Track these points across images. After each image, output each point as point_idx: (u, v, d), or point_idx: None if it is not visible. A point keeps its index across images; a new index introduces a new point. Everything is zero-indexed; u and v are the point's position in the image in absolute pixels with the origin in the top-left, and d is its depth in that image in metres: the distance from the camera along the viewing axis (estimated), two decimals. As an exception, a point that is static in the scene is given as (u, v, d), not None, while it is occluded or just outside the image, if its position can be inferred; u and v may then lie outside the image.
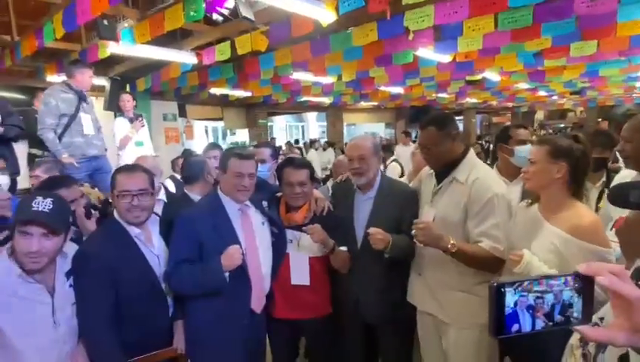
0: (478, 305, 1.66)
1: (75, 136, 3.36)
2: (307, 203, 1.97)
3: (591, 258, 1.35)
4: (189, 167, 2.26)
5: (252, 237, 1.80)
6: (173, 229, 1.72)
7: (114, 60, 5.93)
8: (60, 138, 3.29)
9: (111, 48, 4.26)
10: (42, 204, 1.39)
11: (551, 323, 0.59)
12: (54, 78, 5.44)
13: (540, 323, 0.58)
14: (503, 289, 0.57)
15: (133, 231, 1.65)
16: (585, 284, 0.58)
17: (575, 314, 0.59)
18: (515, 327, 0.58)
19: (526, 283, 0.58)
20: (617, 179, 1.92)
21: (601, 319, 0.81)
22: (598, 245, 1.37)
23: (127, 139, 3.92)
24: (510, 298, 0.57)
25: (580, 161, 1.48)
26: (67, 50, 5.24)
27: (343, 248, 1.90)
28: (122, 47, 4.24)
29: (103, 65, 6.29)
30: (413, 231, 1.60)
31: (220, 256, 1.65)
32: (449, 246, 1.58)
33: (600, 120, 16.12)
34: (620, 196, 0.71)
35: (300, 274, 1.92)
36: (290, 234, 1.95)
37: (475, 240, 1.65)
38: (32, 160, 3.64)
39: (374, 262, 1.89)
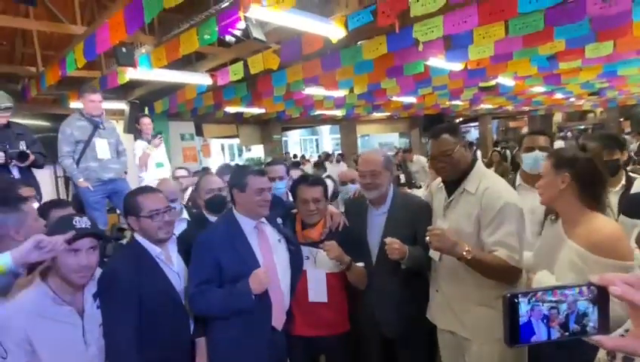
0: (499, 318, 1.61)
1: (90, 161, 3.50)
2: (323, 219, 1.98)
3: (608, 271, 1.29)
4: (211, 204, 2.27)
5: (270, 254, 1.80)
6: (192, 248, 1.75)
7: (132, 85, 6.15)
8: (77, 163, 3.47)
9: (129, 74, 4.43)
10: (81, 221, 1.49)
11: (567, 333, 0.59)
12: (77, 104, 5.66)
13: (555, 333, 0.59)
14: (516, 300, 0.58)
15: (155, 251, 1.70)
16: (600, 294, 0.59)
17: (591, 324, 0.59)
18: (530, 336, 0.59)
19: (540, 293, 0.59)
20: (638, 184, 1.84)
21: (627, 331, 0.78)
22: (619, 259, 1.30)
23: (146, 157, 4.02)
24: (524, 308, 0.58)
25: (585, 170, 1.42)
26: (88, 78, 5.47)
27: (360, 264, 1.89)
28: (140, 73, 4.40)
29: (123, 90, 6.54)
30: (427, 238, 1.59)
31: (248, 279, 1.66)
32: (464, 253, 1.55)
33: (622, 120, 15.71)
34: (634, 207, 0.70)
35: (317, 291, 1.91)
36: (306, 251, 1.95)
37: (490, 249, 1.62)
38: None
39: (390, 277, 1.88)
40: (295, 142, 19.65)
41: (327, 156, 12.67)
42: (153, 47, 4.31)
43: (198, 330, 1.78)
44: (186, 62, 5.22)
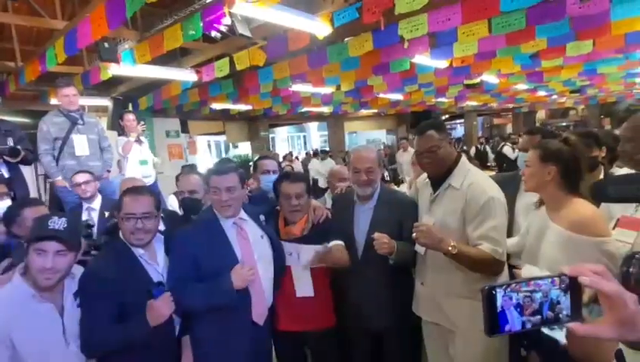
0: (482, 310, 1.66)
1: (67, 159, 3.42)
2: (305, 216, 1.99)
3: (593, 250, 1.40)
4: (184, 206, 2.25)
5: (249, 251, 1.79)
6: (170, 245, 1.77)
7: (116, 81, 6.04)
8: (57, 161, 3.40)
9: (112, 70, 4.35)
10: (58, 222, 1.47)
11: (542, 322, 0.62)
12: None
13: (530, 322, 0.62)
14: (494, 292, 0.61)
15: (138, 250, 1.69)
16: (572, 284, 0.62)
17: (565, 313, 0.62)
18: (508, 326, 0.62)
19: (515, 284, 0.62)
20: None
21: None
22: (598, 236, 1.41)
23: (130, 145, 3.93)
24: (502, 299, 0.61)
25: (569, 162, 1.56)
26: (70, 74, 5.34)
27: (338, 242, 1.92)
28: (123, 68, 4.32)
29: (106, 86, 6.41)
30: (414, 234, 1.62)
31: (230, 274, 1.66)
32: (450, 248, 1.59)
33: (602, 117, 16.10)
34: (600, 191, 0.74)
35: (303, 286, 1.93)
36: (289, 247, 1.95)
37: (475, 243, 1.66)
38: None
39: (376, 271, 1.91)
40: (283, 139, 19.58)
41: (315, 153, 12.68)
42: (136, 42, 4.24)
43: (184, 328, 1.78)
44: (171, 58, 5.15)
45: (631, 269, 0.63)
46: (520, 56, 5.47)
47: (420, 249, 1.82)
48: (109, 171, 3.70)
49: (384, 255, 1.77)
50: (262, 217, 1.96)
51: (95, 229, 2.31)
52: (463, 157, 1.84)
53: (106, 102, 6.63)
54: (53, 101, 5.61)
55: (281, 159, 12.34)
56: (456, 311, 1.74)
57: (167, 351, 1.73)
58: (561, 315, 0.62)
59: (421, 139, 1.80)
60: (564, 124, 17.88)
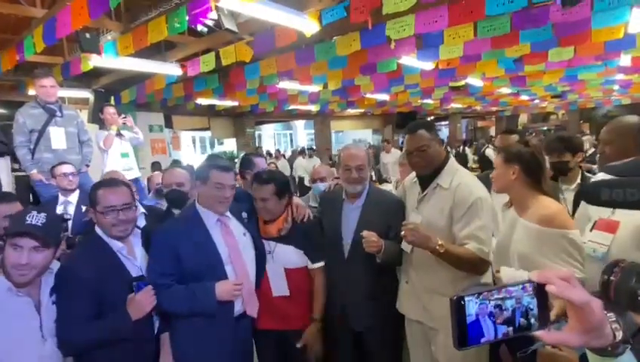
0: None
1: (44, 152, 3.32)
2: (284, 214, 1.97)
3: (561, 240, 1.49)
4: (170, 199, 2.20)
5: (236, 247, 1.78)
6: (151, 242, 1.71)
7: (98, 73, 5.90)
8: (33, 154, 3.30)
9: (94, 61, 4.24)
10: (36, 217, 1.42)
11: (512, 329, 0.59)
12: (36, 91, 5.37)
13: (502, 331, 0.59)
14: (463, 302, 0.58)
15: (116, 245, 1.64)
16: (539, 291, 0.60)
17: (533, 320, 0.60)
18: (479, 337, 0.59)
19: (485, 292, 0.59)
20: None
21: None
22: (563, 228, 1.51)
23: (111, 138, 3.83)
24: (471, 308, 0.58)
25: (530, 162, 1.66)
26: (49, 64, 5.19)
27: (319, 264, 1.96)
28: (105, 60, 4.21)
29: (87, 78, 6.25)
30: (402, 233, 1.62)
31: (214, 284, 1.66)
32: (437, 246, 1.61)
33: (582, 122, 16.57)
34: (592, 194, 0.74)
35: (278, 285, 1.91)
36: (266, 245, 1.94)
37: (462, 242, 1.68)
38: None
39: (362, 270, 1.90)
40: (269, 136, 19.48)
41: (301, 151, 12.66)
42: (119, 33, 4.14)
43: (163, 326, 1.75)
44: (155, 51, 5.05)
45: (612, 278, 0.62)
46: (504, 60, 5.57)
47: (406, 247, 1.83)
48: (87, 166, 3.60)
49: (372, 253, 1.77)
50: (244, 214, 1.94)
51: (71, 223, 2.25)
52: (452, 158, 1.86)
53: (87, 94, 6.46)
54: (31, 92, 5.44)
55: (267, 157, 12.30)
56: (440, 309, 1.74)
57: (146, 348, 1.69)
58: (531, 322, 0.60)
59: (411, 138, 1.81)
60: (544, 128, 18.31)
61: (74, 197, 2.77)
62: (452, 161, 1.84)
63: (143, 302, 1.56)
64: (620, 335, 0.58)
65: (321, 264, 1.97)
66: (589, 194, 0.74)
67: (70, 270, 1.55)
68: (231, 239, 1.79)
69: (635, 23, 3.85)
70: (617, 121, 1.79)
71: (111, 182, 1.74)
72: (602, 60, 5.98)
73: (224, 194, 1.73)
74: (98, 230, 1.66)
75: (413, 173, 1.96)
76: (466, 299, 0.58)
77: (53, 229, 1.49)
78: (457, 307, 0.58)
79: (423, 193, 1.83)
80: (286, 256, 1.92)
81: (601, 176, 1.90)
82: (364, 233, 1.76)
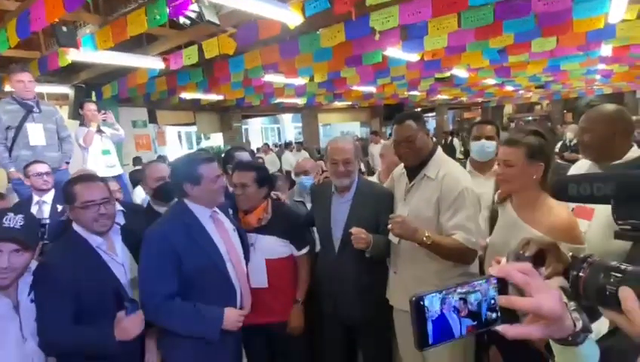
0: None
1: (22, 149, 3.22)
2: (264, 204, 1.96)
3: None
4: (160, 192, 2.13)
5: (231, 241, 1.76)
6: (144, 245, 1.61)
7: (77, 67, 5.74)
8: (10, 152, 3.20)
9: (71, 55, 4.11)
10: (13, 220, 1.38)
11: (477, 324, 0.58)
12: (13, 87, 5.21)
13: (466, 323, 0.58)
14: (422, 302, 0.56)
15: (95, 241, 1.61)
16: (501, 285, 0.59)
17: (497, 314, 0.59)
18: (445, 333, 0.57)
19: (444, 291, 0.57)
20: (574, 169, 1.97)
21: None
22: (573, 243, 1.38)
23: (91, 135, 3.73)
24: (435, 304, 0.57)
25: (551, 158, 1.51)
26: (25, 59, 5.03)
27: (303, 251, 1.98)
28: (84, 54, 4.10)
29: (66, 73, 6.08)
30: (389, 226, 1.63)
31: (225, 310, 1.62)
32: (424, 238, 1.61)
33: (565, 112, 16.84)
34: (560, 189, 0.74)
35: (257, 276, 1.91)
36: (247, 237, 1.94)
37: (449, 233, 1.68)
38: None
39: (353, 264, 1.91)
40: (256, 130, 19.30)
41: (287, 145, 12.60)
42: (98, 27, 4.03)
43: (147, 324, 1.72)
44: (136, 44, 4.93)
45: (581, 274, 0.61)
46: (488, 51, 5.60)
47: (394, 238, 1.83)
48: (67, 163, 3.52)
49: (360, 249, 1.78)
50: (230, 211, 1.92)
51: (47, 226, 2.18)
52: (439, 149, 1.86)
53: (66, 89, 6.30)
54: (7, 88, 5.26)
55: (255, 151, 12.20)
56: None
57: (129, 345, 1.63)
58: (495, 317, 0.59)
59: (399, 128, 1.80)
60: (529, 118, 18.56)
61: (49, 197, 2.68)
62: (439, 151, 1.84)
63: (129, 330, 1.51)
64: (580, 324, 0.59)
65: (306, 250, 2.00)
66: (557, 189, 0.74)
67: (49, 267, 1.51)
68: (225, 234, 1.75)
69: (615, 13, 3.91)
70: (595, 109, 1.78)
71: (87, 177, 1.71)
72: (584, 51, 6.05)
73: (220, 183, 1.69)
74: (76, 227, 1.62)
75: (402, 165, 1.96)
76: (428, 297, 0.56)
77: (32, 230, 1.45)
78: (417, 307, 0.56)
79: (410, 184, 1.84)
80: (268, 247, 1.92)
81: (582, 163, 1.93)
82: (353, 229, 1.76)
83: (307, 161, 2.77)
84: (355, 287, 1.92)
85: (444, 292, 0.57)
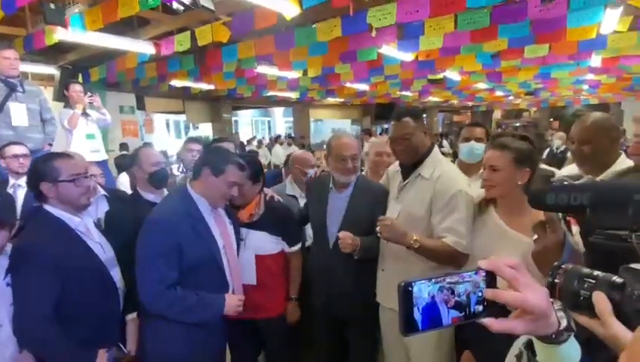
0: None
1: (4, 129, 3.09)
2: (256, 199, 1.93)
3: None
4: (157, 177, 2.05)
5: (228, 235, 1.75)
6: (148, 232, 1.57)
7: (64, 48, 5.57)
8: None
9: (59, 34, 3.98)
10: None
11: (464, 315, 0.59)
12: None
13: (452, 315, 0.58)
14: (410, 288, 0.58)
15: (73, 222, 1.56)
16: (489, 278, 0.60)
17: (483, 307, 0.60)
18: (432, 321, 0.58)
19: (434, 279, 0.59)
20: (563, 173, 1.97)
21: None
22: None
23: (76, 117, 3.62)
24: (424, 291, 0.58)
25: (537, 163, 1.51)
26: (10, 35, 4.85)
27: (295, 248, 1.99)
28: (72, 34, 3.97)
29: (53, 53, 5.89)
30: (377, 228, 1.61)
31: (224, 300, 1.63)
32: (412, 242, 1.60)
33: (552, 120, 17.18)
34: (538, 199, 0.74)
35: (246, 272, 1.88)
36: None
37: (440, 235, 1.67)
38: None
39: (347, 260, 1.89)
40: (246, 122, 19.14)
41: (276, 138, 12.53)
42: (87, 6, 3.90)
43: (128, 306, 1.69)
44: (127, 27, 4.80)
45: (556, 280, 0.63)
46: (482, 55, 5.65)
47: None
48: (50, 145, 3.41)
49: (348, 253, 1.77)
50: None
51: (20, 209, 2.09)
52: (435, 148, 1.83)
53: (52, 70, 6.10)
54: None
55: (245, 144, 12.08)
56: None
57: (112, 328, 1.64)
58: (482, 309, 0.60)
59: (397, 125, 1.77)
60: (517, 124, 18.87)
61: (24, 181, 2.59)
62: (435, 151, 1.82)
63: None
64: (564, 322, 0.60)
65: (298, 247, 2.00)
66: (535, 198, 0.75)
67: (27, 247, 1.44)
68: (224, 228, 1.73)
69: (607, 24, 3.97)
70: (590, 119, 1.75)
71: (62, 153, 1.69)
72: (575, 59, 6.16)
73: (233, 192, 1.67)
74: (50, 208, 1.54)
75: (397, 163, 1.94)
76: (417, 283, 0.58)
77: (7, 208, 1.41)
78: (404, 292, 0.57)
79: (404, 182, 1.81)
80: (258, 242, 1.89)
81: (569, 169, 1.94)
82: (340, 234, 1.76)
83: (308, 153, 2.71)
84: (347, 283, 1.92)
85: (433, 280, 0.58)
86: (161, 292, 1.54)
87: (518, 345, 0.99)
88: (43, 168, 1.54)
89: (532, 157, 1.49)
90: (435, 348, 1.74)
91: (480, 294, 0.59)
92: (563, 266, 0.63)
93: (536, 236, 1.31)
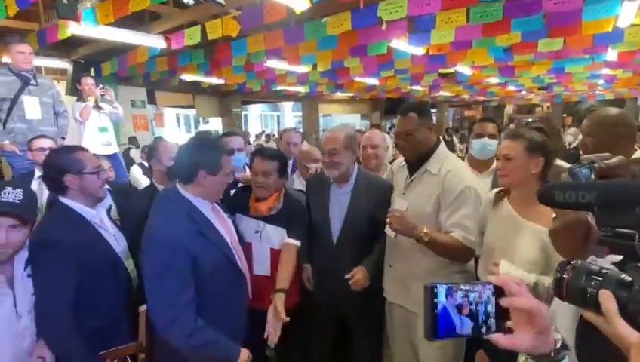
0: None
1: (17, 122, 3.15)
2: (276, 194, 1.93)
3: None
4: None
5: (232, 233, 1.68)
6: (150, 251, 1.42)
7: (77, 42, 5.63)
8: (4, 124, 3.13)
9: (71, 29, 4.02)
10: (12, 194, 1.35)
11: (474, 327, 0.61)
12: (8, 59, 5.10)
13: (467, 325, 0.61)
14: (435, 290, 0.60)
15: (90, 214, 1.59)
16: (497, 293, 0.62)
17: (492, 322, 0.63)
18: (449, 329, 0.60)
19: (452, 285, 0.61)
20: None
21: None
22: None
23: (88, 109, 3.67)
24: (442, 297, 0.60)
25: (552, 154, 1.51)
26: (24, 30, 4.92)
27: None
28: (84, 28, 4.00)
29: (65, 48, 5.97)
30: (387, 219, 1.61)
31: (240, 349, 1.48)
32: (422, 234, 1.59)
33: (565, 115, 16.86)
34: (547, 196, 0.75)
35: (261, 264, 1.89)
36: (255, 224, 1.91)
37: (447, 230, 1.67)
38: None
39: (350, 255, 1.90)
40: (255, 117, 19.20)
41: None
42: (99, 0, 3.92)
43: (140, 297, 1.67)
44: (138, 22, 4.84)
45: (564, 276, 0.63)
46: (494, 49, 5.55)
47: (390, 232, 1.81)
48: (63, 138, 3.46)
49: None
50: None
51: (46, 200, 2.14)
52: (442, 144, 1.81)
53: (65, 64, 6.18)
54: (5, 59, 5.16)
55: (253, 138, 12.11)
56: (420, 293, 1.73)
57: (126, 318, 1.66)
58: (491, 324, 0.62)
59: (401, 120, 1.76)
60: (529, 119, 18.55)
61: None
62: (442, 147, 1.80)
63: None
64: (560, 342, 0.62)
65: (295, 241, 1.92)
66: (544, 195, 0.76)
67: (48, 238, 1.47)
68: (226, 226, 1.67)
69: (625, 17, 3.87)
70: (597, 113, 1.77)
71: (77, 147, 1.74)
72: (590, 54, 6.02)
73: (229, 179, 1.60)
74: (67, 201, 1.58)
75: (401, 158, 1.93)
76: (439, 287, 0.60)
77: (30, 206, 1.42)
78: (431, 295, 0.59)
79: (410, 178, 1.80)
80: (274, 237, 1.90)
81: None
82: (351, 282, 1.78)
83: (313, 148, 2.69)
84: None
85: (452, 286, 0.60)
86: (181, 312, 1.38)
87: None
88: (67, 160, 1.56)
89: (544, 147, 1.48)
90: (443, 344, 1.74)
91: (490, 307, 0.61)
92: (572, 262, 0.64)
93: (554, 215, 1.29)
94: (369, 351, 2.05)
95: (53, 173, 1.57)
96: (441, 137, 1.99)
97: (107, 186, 2.01)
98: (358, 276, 1.81)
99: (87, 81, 3.70)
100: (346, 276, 1.79)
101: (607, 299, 0.57)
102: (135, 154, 6.66)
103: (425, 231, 1.59)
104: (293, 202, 2.02)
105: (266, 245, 1.91)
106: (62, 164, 1.56)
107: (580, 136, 2.05)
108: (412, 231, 1.60)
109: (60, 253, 1.44)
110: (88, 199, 1.60)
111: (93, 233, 1.59)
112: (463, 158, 2.37)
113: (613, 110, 1.77)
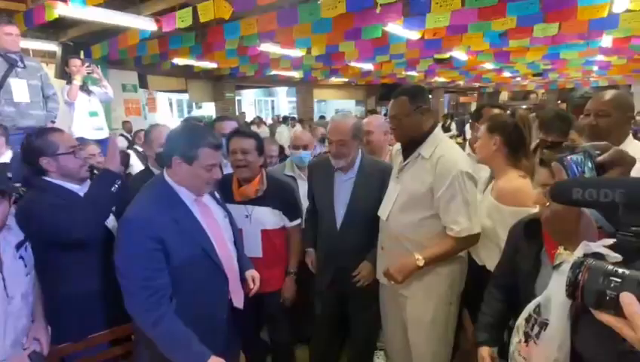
0: (436, 280, 1.73)
1: (5, 105, 3.08)
2: (259, 176, 1.94)
3: (512, 218, 1.37)
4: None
5: (217, 226, 1.56)
6: (125, 230, 1.38)
7: (66, 24, 5.50)
8: None
9: (59, 10, 3.92)
10: None
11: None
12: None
13: None
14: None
15: (74, 188, 1.63)
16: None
17: None
18: None
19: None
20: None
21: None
22: (519, 206, 1.50)
23: (76, 89, 3.59)
24: None
25: (511, 133, 1.67)
26: (9, 10, 4.78)
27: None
28: (72, 9, 3.91)
29: (54, 30, 5.83)
30: (391, 282, 1.70)
31: (210, 354, 1.33)
32: (417, 262, 1.64)
33: (559, 102, 16.88)
34: (563, 193, 0.70)
35: (252, 246, 1.91)
36: (243, 209, 1.92)
37: (446, 226, 1.67)
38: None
39: (354, 240, 1.94)
40: (249, 102, 18.98)
41: (284, 119, 12.45)
42: (87, -20, 3.83)
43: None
44: (128, 3, 4.72)
45: (579, 278, 0.61)
46: (490, 34, 5.51)
47: (382, 214, 1.83)
48: (53, 122, 3.41)
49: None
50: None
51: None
52: (437, 128, 1.78)
53: (53, 47, 6.03)
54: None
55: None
56: (411, 278, 1.74)
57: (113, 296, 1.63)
58: None
59: (393, 103, 1.75)
60: (524, 106, 18.57)
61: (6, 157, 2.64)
62: (437, 131, 1.76)
63: None
64: None
65: (298, 221, 2.03)
66: (559, 193, 0.70)
67: (39, 218, 1.48)
68: (212, 222, 1.54)
69: (620, 2, 3.85)
70: (610, 92, 1.72)
71: (52, 128, 1.75)
72: (585, 39, 6.00)
73: (215, 175, 1.47)
74: (51, 179, 1.60)
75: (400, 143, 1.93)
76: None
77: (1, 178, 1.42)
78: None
79: (404, 162, 1.79)
80: (264, 218, 1.92)
81: None
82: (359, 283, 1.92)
83: (305, 133, 2.69)
84: (353, 262, 1.97)
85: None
86: (149, 297, 1.31)
87: (529, 310, 1.01)
88: (40, 143, 1.57)
89: (503, 127, 1.70)
90: (430, 327, 1.77)
91: None
92: (585, 263, 0.61)
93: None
94: (364, 327, 2.11)
95: (28, 157, 1.59)
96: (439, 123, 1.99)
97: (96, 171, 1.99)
98: (364, 272, 1.90)
99: (75, 62, 3.63)
100: (353, 273, 1.89)
101: (632, 303, 0.54)
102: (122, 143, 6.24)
103: (417, 257, 1.64)
104: (277, 181, 2.04)
105: (257, 227, 1.93)
106: (36, 147, 1.57)
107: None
108: (408, 269, 1.65)
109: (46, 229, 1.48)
110: (70, 179, 1.61)
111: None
112: (462, 144, 2.39)
113: (620, 91, 1.77)
